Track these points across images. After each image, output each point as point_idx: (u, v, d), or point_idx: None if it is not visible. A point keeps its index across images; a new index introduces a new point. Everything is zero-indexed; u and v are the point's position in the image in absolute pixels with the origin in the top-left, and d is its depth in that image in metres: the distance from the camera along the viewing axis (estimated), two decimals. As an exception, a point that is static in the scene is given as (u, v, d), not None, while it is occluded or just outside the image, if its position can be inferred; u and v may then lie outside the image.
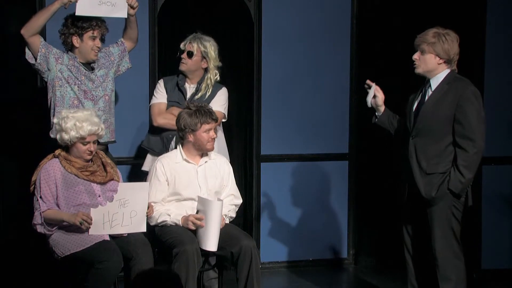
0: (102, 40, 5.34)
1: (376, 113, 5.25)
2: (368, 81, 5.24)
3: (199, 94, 5.59)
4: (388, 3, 6.70)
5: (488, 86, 6.43)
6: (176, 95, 5.60)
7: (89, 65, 5.32)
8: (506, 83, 6.54)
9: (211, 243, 4.94)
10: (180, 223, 5.04)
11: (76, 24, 5.24)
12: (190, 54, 5.59)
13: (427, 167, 4.89)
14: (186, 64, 5.60)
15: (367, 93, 5.08)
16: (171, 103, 5.54)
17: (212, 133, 5.10)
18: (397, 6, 6.67)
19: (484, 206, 6.50)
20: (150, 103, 5.66)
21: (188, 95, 5.63)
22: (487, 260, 6.53)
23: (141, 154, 6.21)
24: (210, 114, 5.08)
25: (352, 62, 6.75)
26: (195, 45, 5.58)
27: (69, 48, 5.30)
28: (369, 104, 5.23)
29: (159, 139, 5.53)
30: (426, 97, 4.96)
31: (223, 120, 5.69)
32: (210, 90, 5.61)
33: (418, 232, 5.09)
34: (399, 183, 5.13)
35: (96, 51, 5.29)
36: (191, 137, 5.09)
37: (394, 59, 6.45)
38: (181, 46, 5.61)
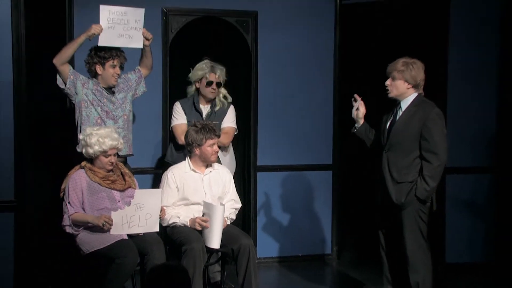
0: (122, 67, 5.29)
1: (356, 124, 5.28)
2: (355, 96, 5.26)
3: (217, 109, 5.60)
4: (365, 34, 6.69)
5: (450, 105, 6.40)
6: (194, 116, 5.58)
7: (110, 89, 5.28)
8: (468, 101, 6.51)
9: (214, 242, 4.94)
10: (188, 224, 5.05)
11: (99, 55, 5.21)
12: (219, 85, 5.61)
13: (397, 177, 4.92)
14: (215, 93, 5.61)
15: (349, 111, 5.10)
16: (190, 123, 5.40)
17: (215, 147, 5.10)
18: (373, 37, 6.67)
19: (448, 209, 6.46)
20: (172, 124, 5.61)
21: (204, 114, 5.63)
22: (451, 255, 6.49)
23: (155, 165, 6.25)
24: (213, 131, 5.08)
25: (335, 84, 6.72)
26: (220, 75, 5.59)
27: (93, 75, 5.26)
28: (353, 115, 5.26)
29: (182, 155, 5.48)
30: (397, 117, 4.99)
31: (235, 133, 5.72)
32: (219, 106, 5.64)
33: (391, 232, 5.10)
34: (375, 190, 5.15)
35: (116, 77, 5.25)
36: (197, 151, 5.11)
37: (371, 81, 6.47)
38: (206, 75, 5.55)
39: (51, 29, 5.93)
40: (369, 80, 6.43)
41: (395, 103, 5.06)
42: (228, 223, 5.18)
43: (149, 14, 6.15)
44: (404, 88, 4.95)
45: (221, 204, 5.09)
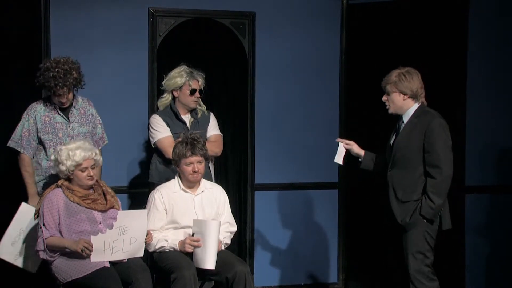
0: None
1: (360, 159, 5.31)
2: (337, 139, 5.34)
3: (199, 117, 5.62)
4: (375, 37, 6.71)
5: (470, 118, 6.42)
6: (178, 126, 5.58)
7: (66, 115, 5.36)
8: (489, 115, 6.54)
9: (209, 262, 4.93)
10: (177, 247, 5.03)
11: (47, 86, 5.18)
12: (201, 92, 5.62)
13: (402, 196, 4.96)
14: (198, 101, 5.63)
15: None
16: (176, 134, 5.45)
17: (195, 166, 5.04)
18: (384, 41, 6.70)
19: (468, 233, 6.46)
20: (156, 139, 5.53)
21: (187, 123, 5.63)
22: (471, 285, 6.49)
23: (139, 183, 6.24)
24: (193, 149, 5.02)
25: (341, 93, 6.78)
26: (202, 82, 5.61)
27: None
28: (336, 161, 5.30)
29: (170, 171, 5.45)
30: (400, 131, 5.04)
31: (221, 135, 5.73)
32: (200, 114, 5.66)
33: (398, 254, 5.10)
34: (382, 211, 5.16)
35: (67, 102, 5.30)
36: (178, 168, 5.13)
37: (382, 90, 6.47)
38: (189, 83, 5.55)
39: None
40: (380, 89, 6.41)
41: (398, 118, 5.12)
42: (223, 248, 5.17)
43: (135, 15, 6.17)
44: (401, 101, 5.01)
45: (214, 220, 5.07)
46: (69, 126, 5.34)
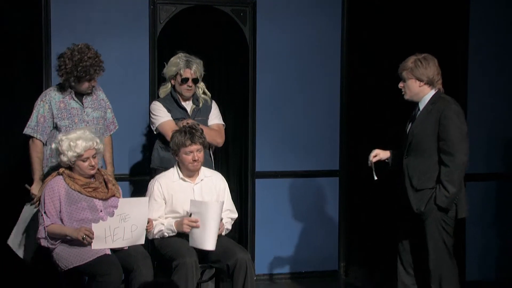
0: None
1: (387, 160, 5.25)
2: (370, 162, 5.20)
3: (201, 105, 5.62)
4: (376, 25, 6.70)
5: (471, 106, 6.44)
6: (179, 112, 5.58)
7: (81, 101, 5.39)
8: (489, 103, 6.57)
9: (209, 243, 4.94)
10: (174, 228, 5.04)
11: (76, 75, 5.20)
12: (196, 81, 5.61)
13: (417, 184, 4.94)
14: (191, 90, 5.61)
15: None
16: (176, 120, 5.49)
17: (195, 155, 5.05)
18: (386, 29, 6.70)
19: (468, 221, 6.42)
20: (158, 124, 5.55)
21: (189, 110, 5.63)
22: (471, 272, 6.52)
23: (141, 171, 6.26)
24: (192, 137, 5.03)
25: (342, 81, 6.76)
26: (196, 70, 5.57)
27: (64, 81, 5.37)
28: (376, 179, 5.18)
29: (171, 157, 5.34)
30: (416, 118, 5.03)
31: (223, 124, 5.72)
32: (202, 102, 5.66)
33: (412, 245, 5.12)
34: (396, 199, 5.16)
35: (91, 89, 5.36)
36: (177, 158, 5.13)
37: (382, 77, 6.49)
38: (180, 72, 5.54)
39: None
40: (381, 76, 6.43)
41: (413, 103, 5.09)
42: (223, 234, 5.17)
43: (135, 2, 6.16)
44: (417, 87, 4.99)
45: (217, 201, 5.06)
46: (84, 111, 5.35)
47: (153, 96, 6.20)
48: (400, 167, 5.05)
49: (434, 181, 4.91)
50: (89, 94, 5.36)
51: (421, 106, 5.00)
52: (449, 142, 4.85)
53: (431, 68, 4.96)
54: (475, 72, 6.55)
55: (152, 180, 5.23)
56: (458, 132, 4.87)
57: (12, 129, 5.82)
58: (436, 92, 4.99)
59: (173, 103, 5.62)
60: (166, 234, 5.08)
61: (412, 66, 4.95)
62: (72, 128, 5.21)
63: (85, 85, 5.26)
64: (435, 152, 4.91)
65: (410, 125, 5.08)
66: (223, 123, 5.74)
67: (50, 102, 5.29)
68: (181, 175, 5.16)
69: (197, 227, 4.95)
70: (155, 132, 5.63)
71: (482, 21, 6.51)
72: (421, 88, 4.98)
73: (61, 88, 5.33)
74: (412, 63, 4.96)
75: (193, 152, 5.07)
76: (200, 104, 5.66)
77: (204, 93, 5.70)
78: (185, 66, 5.56)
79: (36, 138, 5.28)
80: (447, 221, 4.95)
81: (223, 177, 5.37)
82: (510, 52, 6.56)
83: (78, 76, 5.18)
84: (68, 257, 4.78)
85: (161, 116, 5.57)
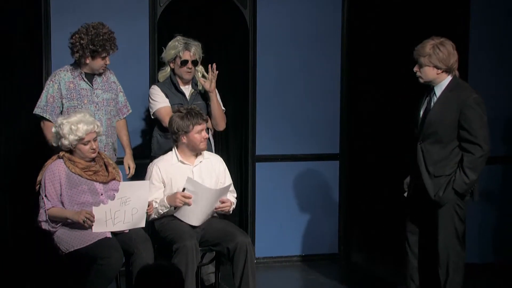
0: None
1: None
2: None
3: (200, 88, 5.63)
4: (378, 6, 6.69)
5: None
6: (177, 97, 5.59)
7: (91, 81, 5.40)
8: (493, 85, 6.56)
9: (195, 221, 5.01)
10: (166, 203, 5.04)
11: (91, 48, 5.21)
12: (196, 63, 5.61)
13: (434, 171, 4.92)
14: (191, 72, 5.61)
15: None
16: (174, 105, 5.48)
17: (204, 133, 5.11)
18: (385, 12, 6.69)
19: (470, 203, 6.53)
20: (155, 109, 5.57)
21: (187, 95, 5.64)
22: (471, 255, 6.54)
23: (140, 155, 6.26)
24: (200, 116, 5.09)
25: (343, 65, 6.73)
26: (195, 52, 5.57)
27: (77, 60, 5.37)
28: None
29: (170, 143, 5.35)
30: (432, 104, 4.96)
31: (223, 109, 5.73)
32: (201, 86, 5.65)
33: (422, 230, 5.12)
34: (409, 185, 5.15)
35: (105, 67, 5.37)
36: (184, 139, 5.10)
37: (384, 60, 6.49)
38: (179, 54, 5.53)
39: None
40: (382, 59, 6.44)
41: (426, 87, 5.04)
42: (231, 210, 5.21)
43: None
44: (434, 74, 4.90)
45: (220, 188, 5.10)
46: (94, 92, 5.35)
47: (153, 79, 6.20)
48: (414, 154, 5.01)
49: (451, 168, 4.89)
50: (99, 75, 5.36)
51: (438, 92, 4.93)
52: (472, 131, 4.82)
53: (450, 55, 4.86)
54: (474, 69, 6.56)
55: (150, 164, 5.24)
56: (481, 121, 4.85)
57: (12, 115, 5.85)
58: (453, 78, 4.93)
59: (172, 88, 5.62)
60: (161, 211, 5.09)
61: (431, 53, 4.84)
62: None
63: (99, 62, 5.25)
64: (453, 140, 4.89)
65: (423, 109, 5.02)
66: (224, 108, 5.75)
67: (60, 82, 5.29)
68: (179, 158, 5.17)
69: (189, 204, 4.98)
70: (152, 117, 5.65)
71: (483, 14, 6.50)
72: (438, 75, 4.90)
73: (72, 69, 5.33)
74: (430, 49, 4.84)
75: (204, 130, 5.11)
76: (200, 87, 5.66)
77: (203, 76, 5.70)
78: (184, 49, 5.56)
79: (46, 119, 5.28)
80: (461, 204, 4.94)
81: (221, 159, 5.38)
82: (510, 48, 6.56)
83: (94, 51, 5.18)
84: (69, 240, 4.79)
85: (159, 101, 5.57)
